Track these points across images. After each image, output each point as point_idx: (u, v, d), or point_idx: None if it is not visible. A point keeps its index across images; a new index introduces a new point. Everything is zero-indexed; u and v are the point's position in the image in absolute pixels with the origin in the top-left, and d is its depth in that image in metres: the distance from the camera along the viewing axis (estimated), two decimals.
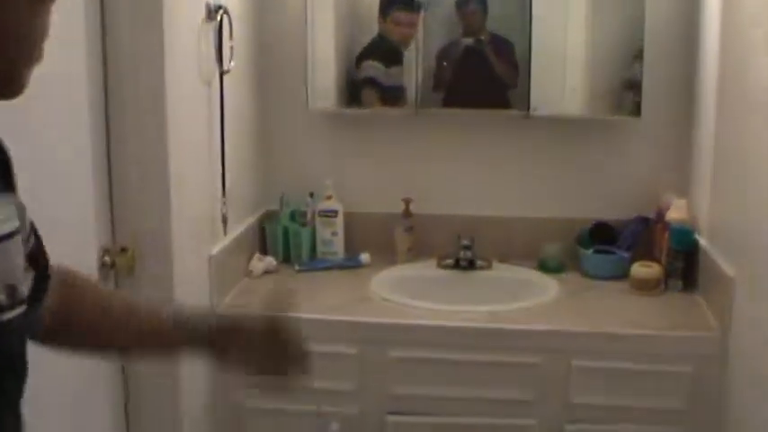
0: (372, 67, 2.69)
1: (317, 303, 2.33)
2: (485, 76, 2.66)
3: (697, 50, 2.52)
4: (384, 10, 2.64)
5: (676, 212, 2.47)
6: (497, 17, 2.63)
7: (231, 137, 2.40)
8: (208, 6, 2.21)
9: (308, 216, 2.73)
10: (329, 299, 2.39)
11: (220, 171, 2.32)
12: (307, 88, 2.65)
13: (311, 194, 2.72)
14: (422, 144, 2.75)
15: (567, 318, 2.26)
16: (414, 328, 2.24)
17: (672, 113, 2.62)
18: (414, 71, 2.65)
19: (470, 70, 2.69)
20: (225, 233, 2.37)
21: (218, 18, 2.24)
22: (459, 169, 2.75)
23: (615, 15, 2.56)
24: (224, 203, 2.33)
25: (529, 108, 2.59)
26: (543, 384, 2.20)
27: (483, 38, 2.64)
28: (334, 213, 2.71)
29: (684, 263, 2.41)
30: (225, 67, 2.30)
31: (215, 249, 2.32)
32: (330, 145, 2.79)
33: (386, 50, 2.68)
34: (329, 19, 2.66)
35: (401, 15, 2.64)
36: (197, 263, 2.22)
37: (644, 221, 2.60)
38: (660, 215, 2.55)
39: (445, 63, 2.67)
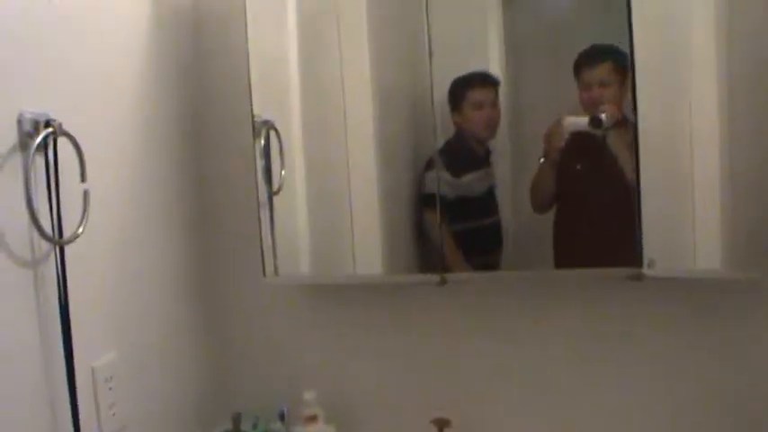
0: None
1: None
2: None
3: None
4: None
5: None
6: None
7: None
8: None
9: None
10: None
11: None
12: (262, 250, 1.63)
13: (282, 415, 1.66)
14: (461, 332, 1.67)
15: None
16: None
17: None
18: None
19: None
20: None
21: None
22: (534, 372, 1.64)
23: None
24: None
25: (642, 263, 1.48)
26: None
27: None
28: None
29: None
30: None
31: None
32: (311, 335, 1.74)
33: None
34: None
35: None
36: None
37: None
38: None
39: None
